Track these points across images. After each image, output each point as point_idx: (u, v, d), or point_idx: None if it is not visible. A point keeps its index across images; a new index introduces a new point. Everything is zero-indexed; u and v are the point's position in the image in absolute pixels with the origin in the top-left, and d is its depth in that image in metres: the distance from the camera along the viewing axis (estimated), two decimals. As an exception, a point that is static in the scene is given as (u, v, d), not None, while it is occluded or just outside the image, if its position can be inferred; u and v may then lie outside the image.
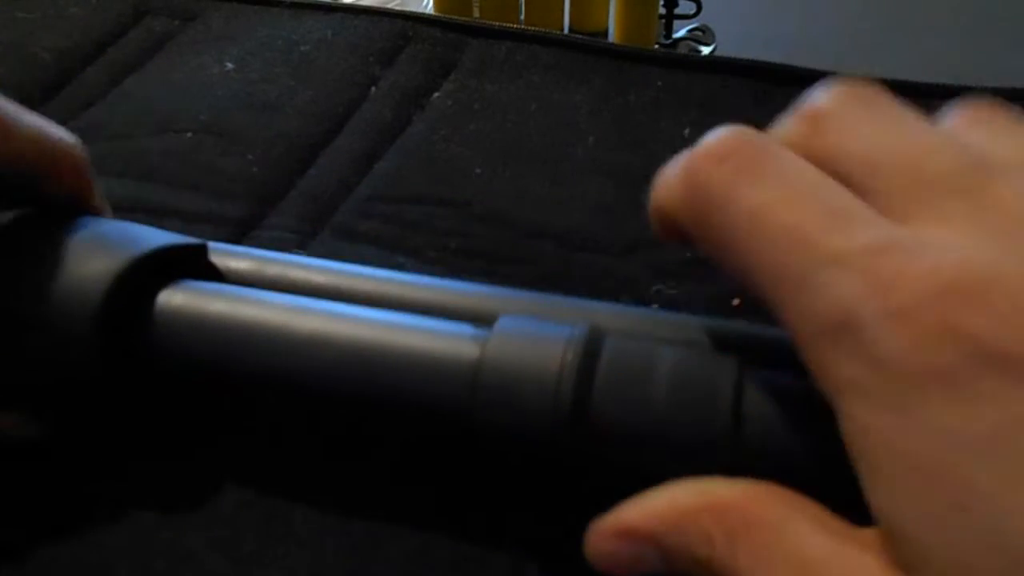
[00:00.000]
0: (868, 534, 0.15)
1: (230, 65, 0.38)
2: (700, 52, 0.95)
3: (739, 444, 0.17)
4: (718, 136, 0.16)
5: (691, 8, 0.97)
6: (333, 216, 0.31)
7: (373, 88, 0.38)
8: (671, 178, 0.17)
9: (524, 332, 0.19)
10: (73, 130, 0.35)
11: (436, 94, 0.37)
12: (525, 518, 0.21)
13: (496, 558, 0.20)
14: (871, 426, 0.14)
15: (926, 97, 0.36)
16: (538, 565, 0.20)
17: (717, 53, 0.96)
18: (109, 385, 0.21)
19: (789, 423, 0.17)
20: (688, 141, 0.34)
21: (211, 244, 0.24)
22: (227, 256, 0.24)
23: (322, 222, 0.31)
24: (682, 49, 0.96)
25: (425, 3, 0.91)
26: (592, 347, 0.18)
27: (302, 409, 0.21)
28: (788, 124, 0.17)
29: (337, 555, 0.20)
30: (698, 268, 0.28)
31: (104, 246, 0.21)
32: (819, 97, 0.17)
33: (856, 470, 0.14)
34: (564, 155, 0.33)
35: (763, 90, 0.36)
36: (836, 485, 0.16)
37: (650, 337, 0.19)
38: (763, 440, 0.17)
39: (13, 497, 0.22)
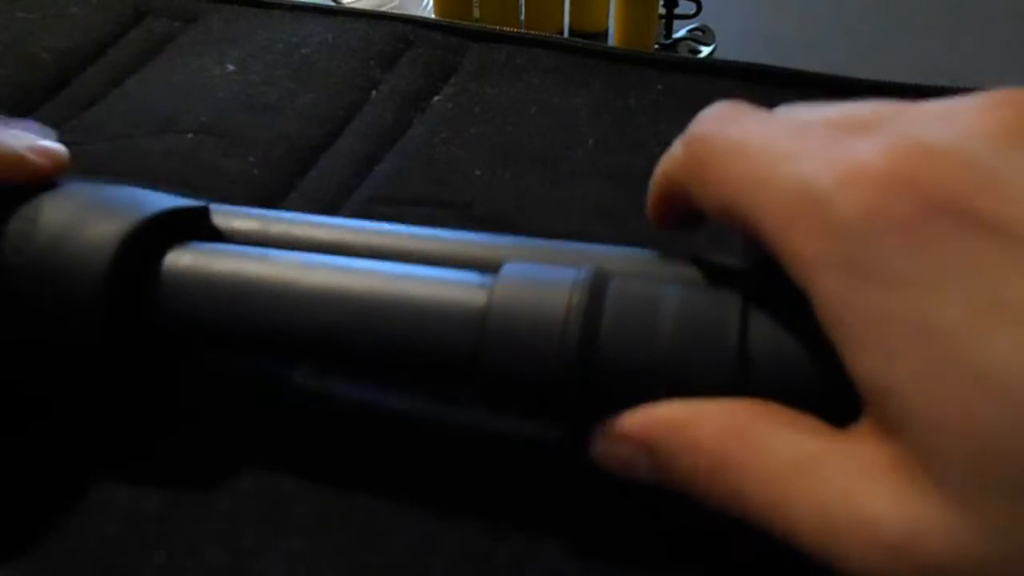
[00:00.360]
0: (856, 428, 0.15)
1: (231, 67, 0.38)
2: (700, 52, 0.95)
3: (746, 379, 0.17)
4: (711, 107, 0.19)
5: (691, 8, 0.97)
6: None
7: (374, 91, 0.38)
8: (673, 150, 0.20)
9: (529, 277, 0.19)
10: (73, 130, 0.35)
11: (436, 97, 0.37)
12: (527, 511, 0.21)
13: (497, 551, 0.20)
14: (839, 295, 0.15)
15: (925, 98, 0.36)
16: (539, 558, 0.20)
17: (717, 53, 0.96)
18: (117, 349, 0.21)
19: (794, 357, 0.17)
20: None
21: (213, 205, 0.24)
22: (230, 216, 0.24)
23: (322, 224, 0.31)
24: (682, 49, 0.96)
25: (425, 4, 0.91)
26: (597, 288, 0.18)
27: (312, 362, 0.21)
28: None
29: (337, 547, 0.21)
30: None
31: (109, 210, 0.21)
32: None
33: (836, 348, 0.15)
34: (564, 157, 0.34)
35: (762, 93, 0.36)
36: (840, 414, 0.16)
37: (653, 277, 0.19)
38: (769, 374, 0.17)
39: (12, 489, 0.22)
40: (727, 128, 0.18)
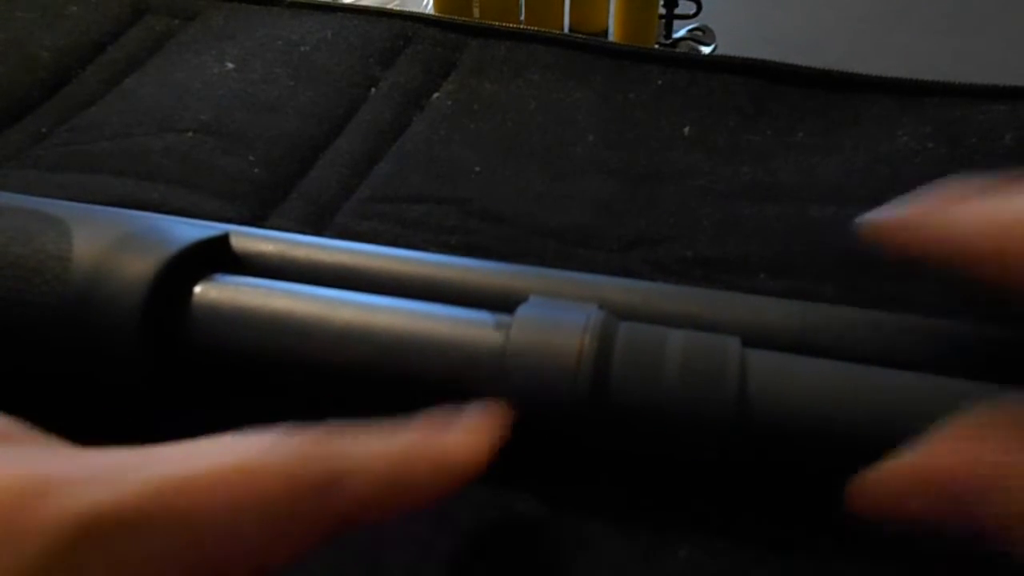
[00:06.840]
0: None
1: (230, 65, 0.38)
2: (700, 52, 0.95)
3: (745, 418, 0.19)
4: None
5: (691, 8, 0.97)
6: (334, 217, 0.31)
7: (373, 89, 0.38)
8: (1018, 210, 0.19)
9: (543, 319, 0.20)
10: (73, 129, 0.35)
11: (436, 94, 0.37)
12: (523, 529, 0.21)
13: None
14: None
15: (925, 95, 0.36)
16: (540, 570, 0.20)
17: (717, 53, 0.96)
18: (152, 384, 0.22)
19: (787, 397, 0.19)
20: (687, 139, 0.34)
21: (232, 229, 0.24)
22: (249, 240, 0.24)
23: (323, 223, 0.31)
24: (682, 49, 0.96)
25: (425, 3, 0.91)
26: (607, 333, 0.20)
27: (336, 396, 0.21)
28: None
29: (329, 565, 0.20)
30: (695, 267, 0.28)
31: (138, 247, 0.21)
32: None
33: None
34: (564, 153, 0.33)
35: (762, 88, 0.36)
36: (830, 454, 0.18)
37: (659, 308, 0.21)
38: (765, 413, 0.19)
39: None
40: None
